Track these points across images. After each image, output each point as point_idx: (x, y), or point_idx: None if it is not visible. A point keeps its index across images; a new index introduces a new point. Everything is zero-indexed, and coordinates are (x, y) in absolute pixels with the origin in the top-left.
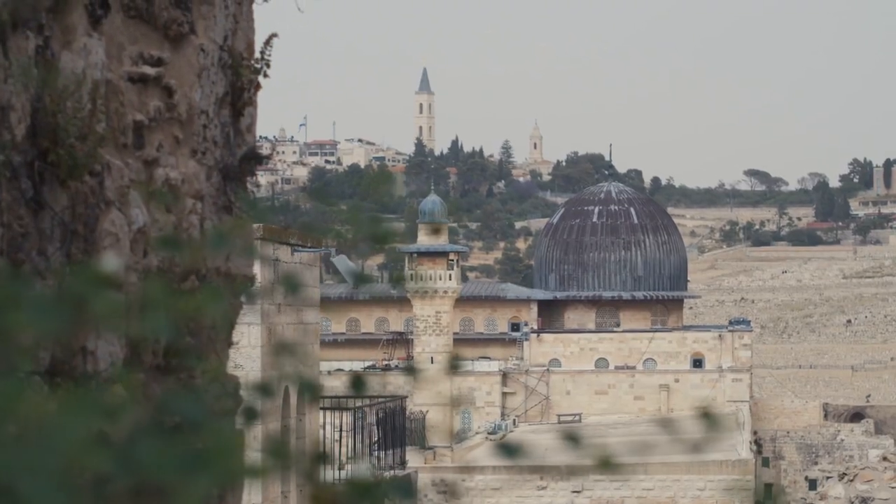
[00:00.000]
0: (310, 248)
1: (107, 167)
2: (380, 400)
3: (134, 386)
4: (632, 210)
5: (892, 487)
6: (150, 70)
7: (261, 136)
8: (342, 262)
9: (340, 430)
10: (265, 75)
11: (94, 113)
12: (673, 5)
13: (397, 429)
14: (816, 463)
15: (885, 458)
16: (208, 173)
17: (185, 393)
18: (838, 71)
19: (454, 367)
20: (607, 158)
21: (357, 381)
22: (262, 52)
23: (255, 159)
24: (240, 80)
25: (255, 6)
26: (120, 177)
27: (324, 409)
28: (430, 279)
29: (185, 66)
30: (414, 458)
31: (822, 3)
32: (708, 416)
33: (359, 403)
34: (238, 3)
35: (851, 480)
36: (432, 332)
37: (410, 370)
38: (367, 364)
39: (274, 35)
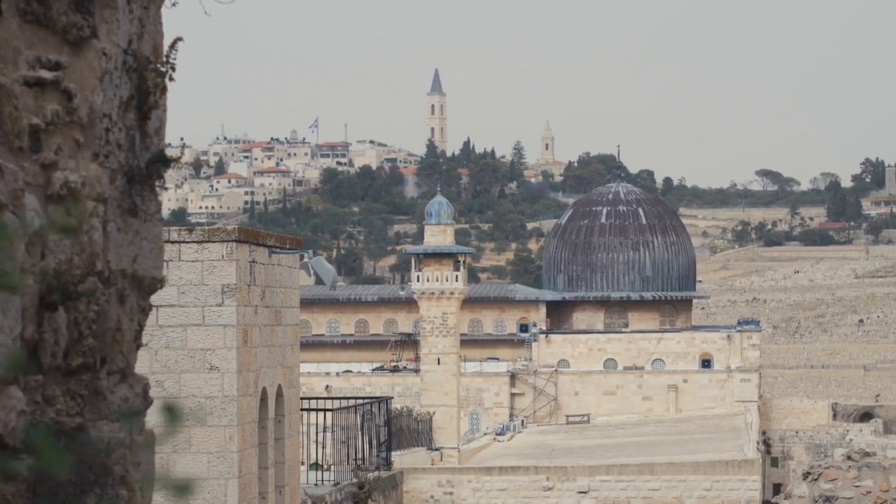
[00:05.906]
0: (288, 249)
1: None
2: (362, 401)
3: (31, 387)
4: (640, 210)
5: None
6: (47, 74)
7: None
8: (319, 263)
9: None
10: (171, 79)
11: None
12: (684, 5)
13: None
14: None
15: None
16: (112, 176)
17: None
18: (851, 70)
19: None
20: (618, 159)
21: (170, 411)
22: (167, 56)
23: (162, 162)
24: (145, 83)
25: (165, 10)
26: (13, 180)
27: (305, 410)
28: (437, 280)
29: (86, 70)
30: (421, 459)
31: (834, 3)
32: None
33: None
34: (144, 6)
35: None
36: (439, 334)
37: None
38: (375, 366)
39: (179, 39)
